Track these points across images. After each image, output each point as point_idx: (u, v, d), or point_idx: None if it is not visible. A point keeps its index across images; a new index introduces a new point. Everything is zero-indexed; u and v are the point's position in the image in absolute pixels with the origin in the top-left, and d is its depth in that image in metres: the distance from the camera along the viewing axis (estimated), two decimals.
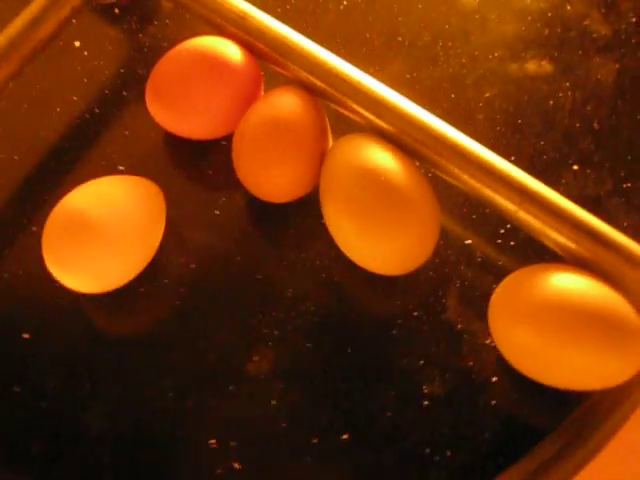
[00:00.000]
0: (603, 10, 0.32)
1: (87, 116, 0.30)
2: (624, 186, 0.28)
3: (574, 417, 0.24)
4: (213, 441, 0.24)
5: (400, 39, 0.31)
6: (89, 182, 0.26)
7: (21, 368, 0.25)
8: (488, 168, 0.25)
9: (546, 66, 0.31)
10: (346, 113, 0.27)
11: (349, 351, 0.25)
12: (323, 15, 0.32)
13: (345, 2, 0.32)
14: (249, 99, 0.27)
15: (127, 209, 0.25)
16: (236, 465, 0.24)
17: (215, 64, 0.27)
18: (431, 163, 0.26)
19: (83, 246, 0.24)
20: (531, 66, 0.31)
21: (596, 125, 0.30)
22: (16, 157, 0.29)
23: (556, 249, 0.25)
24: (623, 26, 0.31)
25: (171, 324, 0.26)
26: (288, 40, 0.27)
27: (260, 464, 0.24)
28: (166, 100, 0.27)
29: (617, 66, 0.31)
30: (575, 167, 0.29)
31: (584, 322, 0.22)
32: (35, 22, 0.28)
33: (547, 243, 0.25)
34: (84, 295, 0.25)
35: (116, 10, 0.32)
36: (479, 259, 0.27)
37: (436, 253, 0.25)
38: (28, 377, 0.25)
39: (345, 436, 0.24)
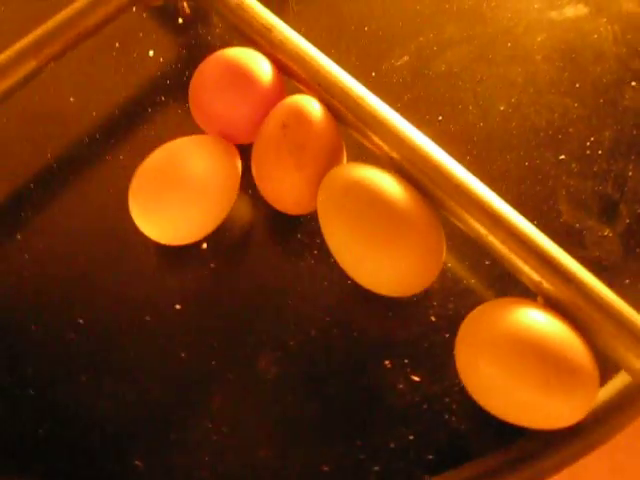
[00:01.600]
0: None
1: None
2: None
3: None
4: None
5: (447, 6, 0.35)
6: (173, 141, 0.28)
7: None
8: (475, 199, 0.25)
9: (582, 9, 0.34)
10: (359, 138, 0.28)
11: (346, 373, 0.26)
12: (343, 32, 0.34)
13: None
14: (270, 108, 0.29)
15: (207, 166, 0.27)
16: None
17: (240, 74, 0.29)
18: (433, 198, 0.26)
19: (167, 199, 0.27)
20: (569, 11, 0.34)
21: None
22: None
23: (529, 285, 0.25)
24: None
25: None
26: (308, 55, 0.29)
27: None
28: (200, 107, 0.29)
29: None
30: (633, 84, 0.32)
31: (537, 361, 0.22)
32: (81, 13, 0.31)
33: (521, 278, 0.25)
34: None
35: (180, 20, 0.35)
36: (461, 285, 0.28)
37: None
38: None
39: None
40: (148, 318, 0.28)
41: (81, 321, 0.28)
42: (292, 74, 0.30)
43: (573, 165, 0.29)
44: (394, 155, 0.27)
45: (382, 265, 0.24)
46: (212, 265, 0.28)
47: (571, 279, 0.24)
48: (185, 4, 0.35)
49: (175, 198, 0.27)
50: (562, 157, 0.30)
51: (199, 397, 0.26)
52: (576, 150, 0.30)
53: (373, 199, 0.24)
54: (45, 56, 0.31)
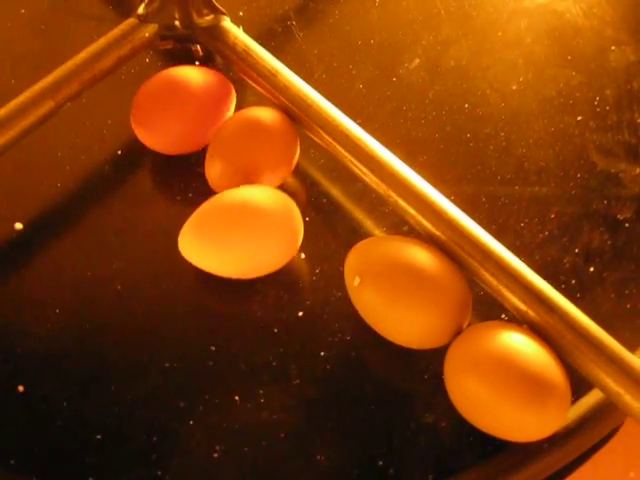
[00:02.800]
0: None
1: None
2: None
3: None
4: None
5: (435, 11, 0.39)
6: (235, 189, 0.30)
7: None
8: (471, 239, 0.28)
9: None
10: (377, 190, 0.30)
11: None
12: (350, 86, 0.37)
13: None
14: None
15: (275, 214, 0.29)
16: None
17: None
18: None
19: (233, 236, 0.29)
20: None
21: (608, 18, 0.38)
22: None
23: (516, 314, 0.27)
24: None
25: None
26: (310, 99, 0.31)
27: None
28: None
29: None
30: (613, 47, 0.37)
31: (517, 381, 0.24)
32: (98, 54, 0.33)
33: (505, 304, 0.28)
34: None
35: (196, 62, 0.38)
36: None
37: None
38: None
39: None
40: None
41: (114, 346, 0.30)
42: (298, 119, 0.32)
43: (590, 123, 0.34)
44: (412, 213, 0.29)
45: (405, 322, 0.27)
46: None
47: (554, 309, 0.26)
48: (199, 47, 0.38)
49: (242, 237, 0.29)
50: (579, 118, 0.35)
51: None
52: (588, 110, 0.35)
53: (399, 267, 0.27)
54: (63, 97, 0.32)
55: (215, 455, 0.27)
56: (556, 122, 0.34)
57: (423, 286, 0.26)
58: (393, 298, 0.27)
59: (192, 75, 0.33)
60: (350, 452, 0.27)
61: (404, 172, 0.29)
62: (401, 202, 0.29)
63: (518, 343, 0.25)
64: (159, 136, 0.33)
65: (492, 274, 0.27)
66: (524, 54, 0.37)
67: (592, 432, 0.27)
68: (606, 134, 0.34)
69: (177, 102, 0.33)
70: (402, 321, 0.27)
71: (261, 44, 0.34)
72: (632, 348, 0.27)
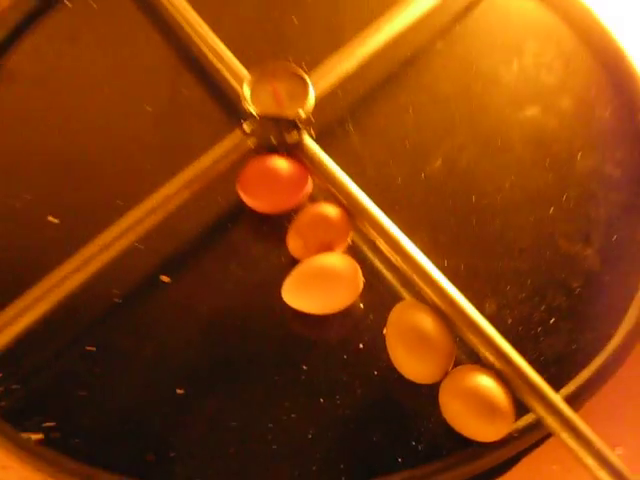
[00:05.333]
0: None
1: None
2: None
3: None
4: None
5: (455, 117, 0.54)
6: (318, 255, 0.46)
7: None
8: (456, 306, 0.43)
9: (534, 109, 0.55)
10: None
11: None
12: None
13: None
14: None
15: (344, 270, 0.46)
16: None
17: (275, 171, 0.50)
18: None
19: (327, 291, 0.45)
20: (528, 111, 0.54)
21: (578, 130, 0.53)
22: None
23: (484, 360, 0.42)
24: None
25: None
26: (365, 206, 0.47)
27: None
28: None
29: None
30: (580, 154, 0.52)
31: (480, 403, 0.39)
32: (216, 162, 0.48)
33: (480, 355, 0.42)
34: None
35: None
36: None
37: None
38: None
39: None
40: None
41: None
42: (350, 212, 0.47)
43: (559, 214, 0.50)
44: (422, 287, 0.46)
45: (411, 365, 0.42)
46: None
47: (508, 360, 0.41)
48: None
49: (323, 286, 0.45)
50: (551, 211, 0.50)
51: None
52: (557, 205, 0.50)
53: (410, 325, 0.42)
54: (194, 190, 0.48)
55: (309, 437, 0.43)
56: (535, 213, 0.49)
57: (424, 341, 0.41)
58: (405, 348, 0.42)
59: (282, 161, 0.49)
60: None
61: (419, 258, 0.44)
62: (415, 279, 0.44)
63: (484, 381, 0.40)
64: (258, 200, 0.49)
65: (471, 334, 0.43)
66: (515, 158, 0.52)
67: (528, 437, 0.42)
68: (569, 224, 0.49)
69: (271, 178, 0.48)
70: (410, 364, 0.42)
71: (324, 141, 0.49)
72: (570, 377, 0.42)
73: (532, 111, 0.54)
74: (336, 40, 0.53)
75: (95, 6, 0.62)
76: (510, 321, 0.45)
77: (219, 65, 0.54)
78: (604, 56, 0.56)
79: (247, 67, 0.52)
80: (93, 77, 0.59)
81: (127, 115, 0.56)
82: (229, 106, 0.55)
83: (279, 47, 0.57)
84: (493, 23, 0.59)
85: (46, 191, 0.52)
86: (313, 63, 0.52)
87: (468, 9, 0.59)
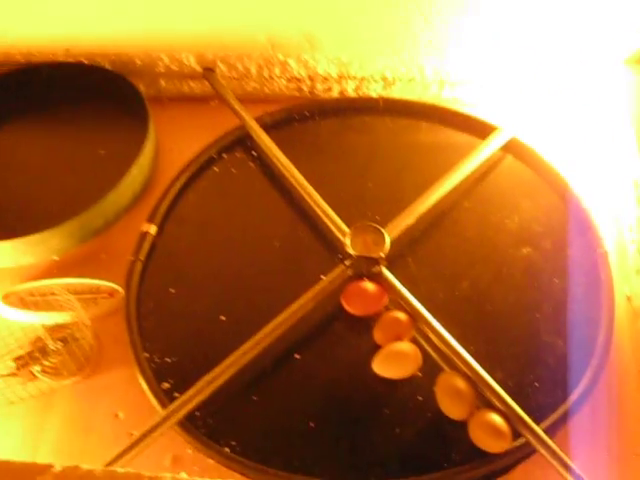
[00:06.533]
0: None
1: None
2: None
3: None
4: None
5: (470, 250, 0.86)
6: (395, 342, 0.77)
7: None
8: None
9: (530, 250, 0.86)
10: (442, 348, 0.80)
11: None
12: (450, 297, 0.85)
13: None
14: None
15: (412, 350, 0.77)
16: None
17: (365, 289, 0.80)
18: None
19: (399, 364, 0.76)
20: (522, 251, 0.86)
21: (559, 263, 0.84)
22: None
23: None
24: None
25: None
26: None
27: None
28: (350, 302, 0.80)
29: None
30: (556, 280, 0.83)
31: (491, 430, 0.68)
32: (323, 289, 0.80)
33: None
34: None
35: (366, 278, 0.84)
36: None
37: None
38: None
39: None
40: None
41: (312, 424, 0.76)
42: (410, 316, 0.79)
43: (544, 320, 0.80)
44: (455, 361, 0.76)
45: (453, 407, 0.74)
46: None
47: (508, 406, 0.74)
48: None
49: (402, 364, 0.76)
50: (538, 315, 0.80)
51: None
52: (542, 312, 0.80)
53: (451, 385, 0.74)
54: (315, 302, 0.79)
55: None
56: (526, 315, 0.79)
57: (458, 394, 0.71)
58: (446, 398, 0.72)
59: (369, 284, 0.79)
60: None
61: (454, 344, 0.75)
62: (452, 357, 0.74)
63: (494, 417, 0.69)
64: (354, 307, 0.79)
65: (486, 390, 0.73)
66: (515, 281, 0.82)
67: (520, 452, 0.71)
68: (548, 323, 0.79)
69: (362, 294, 0.79)
70: (450, 406, 0.71)
71: (394, 270, 0.80)
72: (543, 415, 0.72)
73: (526, 250, 0.84)
74: (400, 200, 0.86)
75: (234, 171, 0.95)
76: (510, 384, 0.75)
77: (325, 219, 0.85)
78: (574, 210, 0.87)
79: (342, 219, 0.83)
80: (237, 221, 0.91)
81: (261, 247, 0.88)
82: (331, 246, 0.86)
83: (362, 205, 0.89)
84: (501, 186, 0.90)
85: (218, 298, 0.83)
86: (385, 215, 0.84)
87: (485, 175, 0.91)
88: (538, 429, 0.69)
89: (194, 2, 0.91)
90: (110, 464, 0.68)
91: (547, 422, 0.71)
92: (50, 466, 0.50)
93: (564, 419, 0.72)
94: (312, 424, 0.73)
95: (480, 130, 0.95)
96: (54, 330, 0.80)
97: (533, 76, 0.97)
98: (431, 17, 0.89)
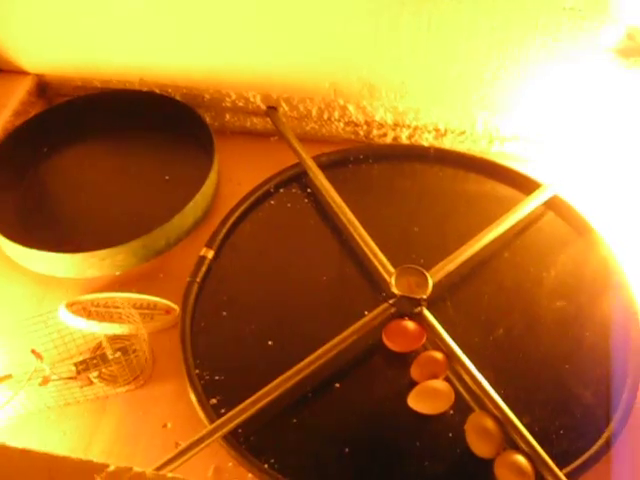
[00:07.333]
0: None
1: None
2: None
3: None
4: None
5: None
6: (430, 380, 0.82)
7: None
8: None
9: (564, 304, 0.90)
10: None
11: None
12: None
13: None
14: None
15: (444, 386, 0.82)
16: None
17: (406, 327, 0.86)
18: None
19: (433, 401, 0.81)
20: (557, 304, 0.90)
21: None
22: None
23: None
24: None
25: None
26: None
27: None
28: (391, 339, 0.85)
29: None
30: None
31: (515, 470, 0.73)
32: (366, 324, 0.85)
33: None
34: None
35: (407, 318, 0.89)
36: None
37: None
38: None
39: None
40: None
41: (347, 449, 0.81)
42: (447, 355, 0.84)
43: (575, 370, 0.84)
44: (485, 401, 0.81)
45: (482, 446, 0.78)
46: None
47: (534, 448, 0.78)
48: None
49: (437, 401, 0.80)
50: (567, 366, 0.85)
51: None
52: (572, 363, 0.85)
53: (482, 426, 0.79)
54: (358, 336, 0.85)
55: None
56: (556, 366, 0.84)
57: (487, 434, 0.76)
58: (476, 437, 0.76)
59: (410, 323, 0.84)
60: None
61: (485, 385, 0.79)
62: (483, 398, 0.79)
63: (519, 458, 0.74)
64: (395, 344, 0.84)
65: (513, 432, 0.77)
66: (548, 332, 0.87)
67: None
68: (576, 375, 0.83)
69: (403, 331, 0.84)
70: (479, 445, 0.76)
71: (433, 311, 0.85)
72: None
73: (560, 303, 0.89)
74: (443, 246, 0.91)
75: (289, 205, 1.01)
76: (537, 428, 0.79)
77: (372, 258, 0.91)
78: (610, 269, 0.91)
79: (388, 260, 0.89)
80: (289, 253, 0.97)
81: (310, 280, 0.94)
82: (375, 284, 0.92)
83: (407, 247, 0.94)
84: (541, 240, 0.95)
85: (266, 324, 0.89)
86: (428, 258, 0.89)
87: (526, 229, 0.96)
88: (560, 473, 0.73)
89: (266, 46, 0.98)
90: (157, 470, 0.73)
91: (569, 468, 0.75)
92: (106, 465, 0.54)
93: (585, 467, 0.75)
94: (347, 449, 0.78)
95: (524, 185, 1.00)
96: (114, 340, 0.85)
97: (579, 137, 1.02)
98: (486, 76, 0.95)
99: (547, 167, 1.04)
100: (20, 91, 1.12)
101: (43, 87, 1.15)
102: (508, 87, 0.97)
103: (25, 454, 0.56)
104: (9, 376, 0.82)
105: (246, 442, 0.78)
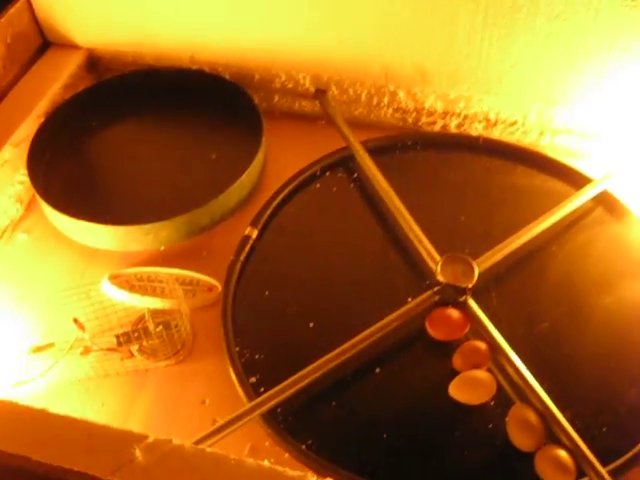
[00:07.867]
0: None
1: None
2: None
3: None
4: None
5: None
6: (472, 370, 0.80)
7: None
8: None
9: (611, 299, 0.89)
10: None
11: None
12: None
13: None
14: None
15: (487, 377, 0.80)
16: None
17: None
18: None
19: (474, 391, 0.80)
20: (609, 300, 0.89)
21: None
22: None
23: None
24: None
25: None
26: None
27: None
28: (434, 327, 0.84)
29: None
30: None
31: (555, 463, 0.72)
32: (413, 307, 0.84)
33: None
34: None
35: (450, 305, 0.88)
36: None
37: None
38: None
39: None
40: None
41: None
42: (490, 347, 0.83)
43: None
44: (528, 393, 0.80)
45: (523, 439, 0.76)
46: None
47: (576, 443, 0.76)
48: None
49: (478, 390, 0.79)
50: (612, 363, 0.83)
51: None
52: (619, 359, 0.83)
53: (524, 418, 0.78)
54: (401, 323, 0.84)
55: None
56: (602, 364, 0.82)
57: (529, 427, 0.74)
58: (517, 429, 0.75)
59: (454, 311, 0.84)
60: None
61: (528, 377, 0.78)
62: (526, 390, 0.78)
63: (561, 453, 0.72)
64: (438, 332, 0.83)
65: (555, 426, 0.76)
66: (594, 327, 0.85)
67: None
68: (622, 372, 0.82)
69: (446, 320, 0.83)
70: (520, 438, 0.74)
71: (478, 301, 0.84)
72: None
73: (607, 299, 0.88)
74: (489, 236, 0.90)
75: (335, 189, 1.00)
76: (579, 424, 0.77)
77: (418, 245, 0.90)
78: None
79: (433, 247, 0.88)
80: (333, 236, 0.96)
81: (353, 264, 0.93)
82: (420, 271, 0.91)
83: (453, 236, 0.93)
84: (590, 236, 0.94)
85: (308, 305, 0.89)
86: (473, 248, 0.88)
87: (575, 223, 0.94)
88: (603, 471, 0.71)
89: (319, 24, 0.98)
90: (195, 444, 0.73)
91: (611, 466, 0.74)
92: (145, 436, 0.55)
93: (628, 466, 0.74)
94: (385, 435, 0.77)
95: (574, 179, 0.98)
96: (155, 314, 0.86)
97: (633, 133, 1.00)
98: (540, 66, 0.94)
99: (598, 162, 1.02)
100: (71, 65, 1.12)
101: (94, 62, 1.15)
102: (562, 80, 0.96)
103: (66, 420, 0.57)
104: (51, 344, 0.83)
105: (284, 422, 0.78)
